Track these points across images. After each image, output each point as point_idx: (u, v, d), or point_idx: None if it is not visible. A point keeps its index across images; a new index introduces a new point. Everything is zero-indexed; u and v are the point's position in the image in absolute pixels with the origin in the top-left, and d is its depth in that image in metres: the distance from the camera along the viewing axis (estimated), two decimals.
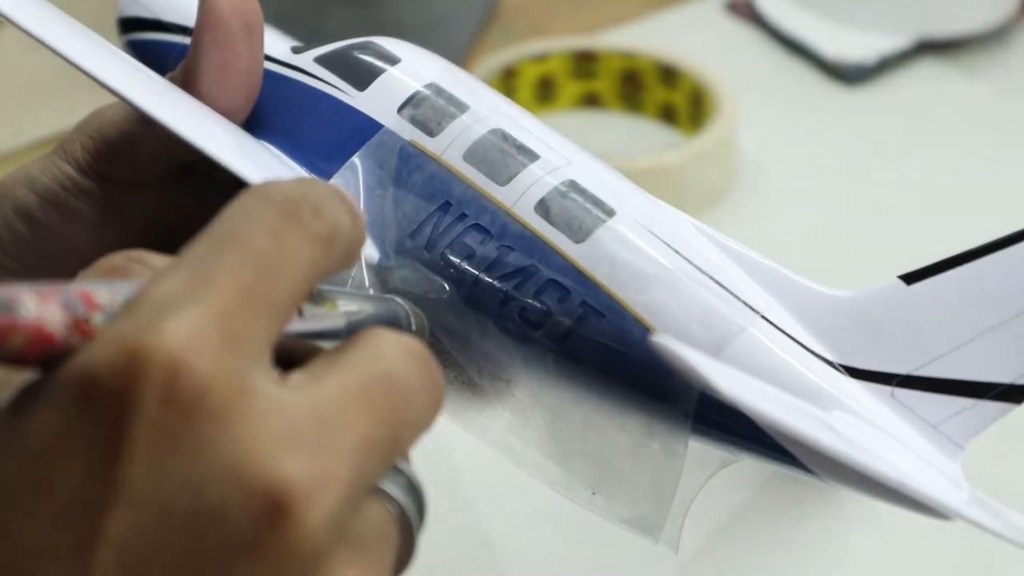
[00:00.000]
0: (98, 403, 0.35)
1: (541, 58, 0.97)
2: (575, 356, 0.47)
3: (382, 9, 1.07)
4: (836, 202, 0.91)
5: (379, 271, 0.49)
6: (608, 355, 0.47)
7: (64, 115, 0.84)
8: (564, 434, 0.48)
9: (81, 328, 0.36)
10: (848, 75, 1.00)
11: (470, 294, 0.48)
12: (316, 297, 0.42)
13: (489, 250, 0.48)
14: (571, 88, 0.98)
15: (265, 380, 0.37)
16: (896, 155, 0.95)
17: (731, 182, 0.92)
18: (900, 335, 0.46)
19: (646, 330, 0.46)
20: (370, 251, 0.49)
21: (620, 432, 0.47)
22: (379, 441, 0.38)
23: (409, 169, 0.50)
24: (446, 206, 0.49)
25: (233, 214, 0.39)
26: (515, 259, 0.48)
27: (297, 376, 0.38)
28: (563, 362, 0.47)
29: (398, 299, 0.46)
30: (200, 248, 0.38)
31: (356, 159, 0.50)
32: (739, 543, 0.68)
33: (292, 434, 0.36)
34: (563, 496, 0.48)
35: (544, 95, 0.98)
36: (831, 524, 0.68)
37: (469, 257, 0.48)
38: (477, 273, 0.48)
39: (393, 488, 0.40)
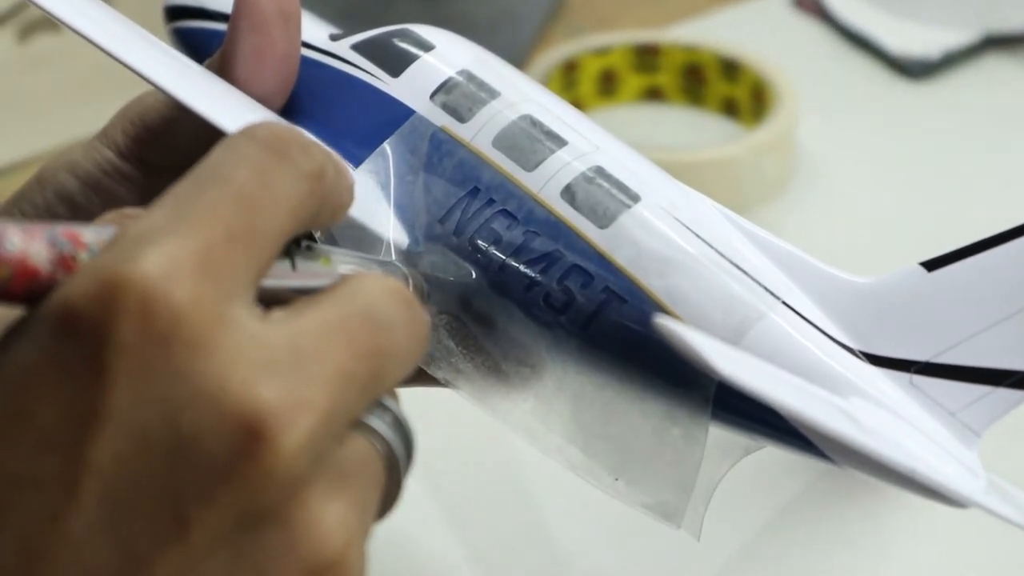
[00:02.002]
0: (77, 333, 0.36)
1: (603, 52, 0.97)
2: (597, 341, 0.47)
3: (448, 4, 1.08)
4: (896, 198, 0.90)
5: (409, 256, 0.49)
6: (630, 340, 0.47)
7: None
8: (587, 419, 0.48)
9: (67, 264, 0.37)
10: (912, 70, 1.00)
11: (496, 279, 0.48)
12: (310, 253, 0.42)
13: (515, 235, 0.48)
14: (633, 82, 0.98)
15: (243, 312, 0.37)
16: (959, 151, 0.94)
17: (790, 176, 0.91)
18: (920, 322, 0.46)
19: (667, 315, 0.46)
20: (400, 236, 0.49)
21: (642, 417, 0.47)
22: (358, 373, 0.38)
23: (440, 155, 0.50)
24: (475, 192, 0.49)
25: (219, 152, 0.40)
26: (540, 244, 0.48)
27: (277, 312, 0.39)
28: (586, 347, 0.47)
29: (395, 262, 0.47)
30: (183, 185, 0.39)
31: (387, 145, 0.51)
32: (784, 538, 0.67)
33: (268, 362, 0.37)
34: (585, 481, 0.48)
35: (606, 88, 0.98)
36: (879, 520, 0.68)
37: (496, 242, 0.48)
38: (504, 258, 0.48)
39: (379, 424, 0.40)
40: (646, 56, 0.98)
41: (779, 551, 0.67)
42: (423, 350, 0.41)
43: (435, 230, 0.49)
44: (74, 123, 0.84)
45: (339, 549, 0.37)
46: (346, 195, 0.43)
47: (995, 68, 1.01)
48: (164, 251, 0.36)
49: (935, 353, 0.46)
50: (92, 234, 0.38)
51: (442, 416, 0.63)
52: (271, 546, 0.37)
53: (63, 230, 0.37)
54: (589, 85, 0.97)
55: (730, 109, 0.96)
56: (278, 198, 0.39)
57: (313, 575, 0.37)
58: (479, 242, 0.49)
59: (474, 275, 0.49)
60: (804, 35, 1.05)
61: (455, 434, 0.71)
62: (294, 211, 0.40)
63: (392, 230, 0.49)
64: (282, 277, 0.41)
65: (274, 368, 0.37)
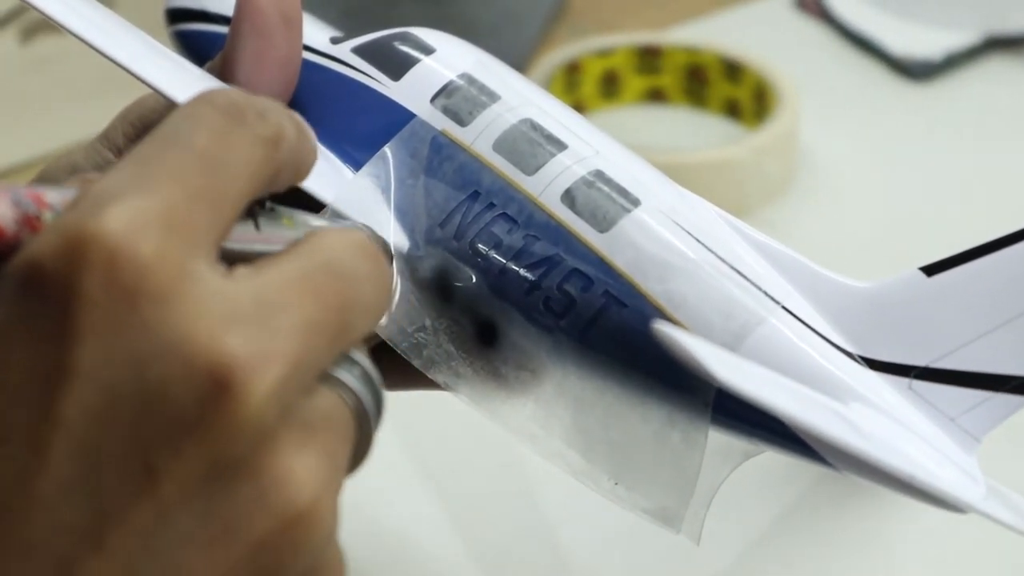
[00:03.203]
0: (42, 290, 0.36)
1: (605, 53, 0.97)
2: (597, 345, 0.47)
3: (451, 5, 1.08)
4: (897, 199, 0.90)
5: (409, 260, 0.49)
6: (630, 345, 0.47)
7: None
8: (587, 424, 0.48)
9: (31, 224, 0.38)
10: (914, 71, 0.99)
11: (497, 283, 0.48)
12: (273, 214, 0.43)
13: (515, 239, 0.48)
14: (635, 83, 0.98)
15: (207, 269, 0.37)
16: (961, 152, 0.94)
17: (792, 177, 0.91)
18: (919, 326, 0.46)
19: (667, 320, 0.46)
20: (400, 240, 0.49)
21: (642, 422, 0.47)
22: (324, 324, 0.38)
23: (440, 159, 0.50)
24: (475, 196, 0.49)
25: (177, 117, 0.40)
26: (540, 248, 0.48)
27: (242, 269, 0.39)
28: (586, 352, 0.47)
29: (361, 224, 0.47)
30: (143, 148, 0.39)
31: (388, 149, 0.51)
32: (784, 542, 0.67)
33: (234, 314, 0.37)
34: (586, 486, 0.48)
35: (608, 90, 0.98)
36: (879, 523, 0.68)
37: (496, 246, 0.48)
38: (504, 262, 0.48)
39: (348, 377, 0.41)
40: (648, 57, 0.98)
41: (779, 555, 0.67)
42: (388, 303, 0.41)
43: (435, 234, 0.49)
44: (75, 125, 0.84)
45: (310, 500, 0.38)
46: (309, 156, 0.44)
47: (997, 69, 1.01)
48: (128, 207, 0.37)
49: (934, 358, 0.46)
50: (55, 195, 0.38)
51: (443, 419, 0.63)
52: (241, 497, 0.37)
53: (27, 191, 0.38)
54: (591, 87, 0.97)
55: (732, 110, 0.96)
56: (236, 161, 0.39)
57: (284, 525, 0.37)
58: (479, 246, 0.49)
59: (474, 279, 0.49)
60: (806, 36, 1.05)
61: (455, 436, 0.71)
62: (253, 174, 0.40)
63: (392, 234, 0.49)
64: (245, 238, 0.41)
65: (240, 320, 0.37)
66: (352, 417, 0.40)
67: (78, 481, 0.36)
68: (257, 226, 0.42)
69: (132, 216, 0.36)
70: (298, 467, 0.38)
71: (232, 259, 0.40)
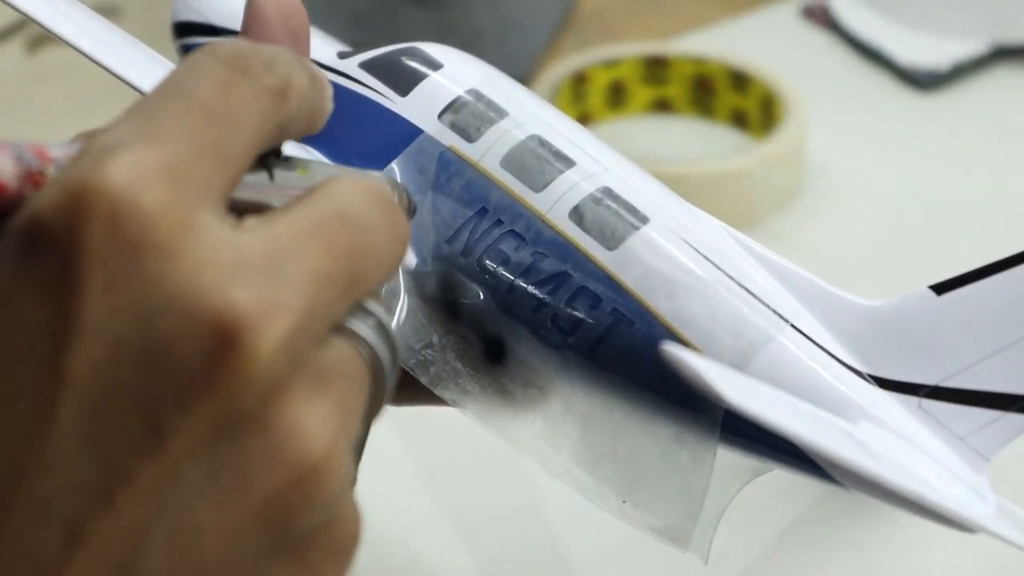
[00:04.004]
0: (46, 244, 0.36)
1: (612, 63, 0.97)
2: (605, 363, 0.47)
3: (457, 13, 1.08)
4: (906, 209, 0.90)
5: (416, 276, 0.49)
6: (638, 362, 0.47)
7: None
8: (595, 441, 0.48)
9: (34, 179, 0.37)
10: (922, 81, 0.99)
11: (504, 300, 0.48)
12: (287, 164, 0.42)
13: (523, 256, 0.48)
14: (642, 93, 0.98)
15: (213, 219, 0.37)
16: (968, 162, 0.94)
17: (800, 187, 0.91)
18: (929, 345, 0.46)
19: (675, 338, 0.46)
20: (407, 257, 0.49)
21: (650, 440, 0.47)
22: (336, 274, 0.38)
23: (448, 175, 0.50)
24: (482, 212, 0.49)
25: (181, 69, 0.39)
26: (548, 266, 0.48)
27: (251, 220, 0.38)
28: (594, 369, 0.47)
29: (378, 173, 0.46)
30: (147, 101, 0.38)
31: (395, 165, 0.51)
32: (791, 558, 0.67)
33: (241, 266, 0.36)
34: (593, 504, 0.48)
35: (615, 100, 0.98)
36: (888, 540, 0.67)
37: (504, 263, 0.48)
38: (511, 279, 0.48)
39: (362, 328, 0.40)
40: (655, 68, 0.97)
41: (786, 571, 0.66)
42: (403, 251, 0.40)
43: (443, 250, 0.49)
44: None
45: (322, 453, 0.37)
46: (323, 105, 0.43)
47: (1005, 78, 1.00)
48: (130, 160, 0.36)
49: (944, 377, 0.45)
50: (58, 149, 0.38)
51: (449, 431, 0.63)
52: (251, 452, 0.36)
53: (29, 146, 0.38)
54: (598, 97, 0.97)
55: (739, 120, 0.96)
56: (242, 111, 0.39)
57: (295, 479, 0.37)
58: (487, 263, 0.49)
59: (482, 296, 0.49)
60: (813, 46, 1.05)
61: (462, 448, 0.71)
62: (259, 125, 0.39)
63: None
64: (259, 189, 0.41)
65: (247, 271, 0.36)
66: (367, 368, 0.39)
67: (86, 438, 0.35)
68: (271, 177, 0.41)
69: (134, 168, 0.36)
70: (309, 420, 0.37)
71: (246, 211, 0.39)
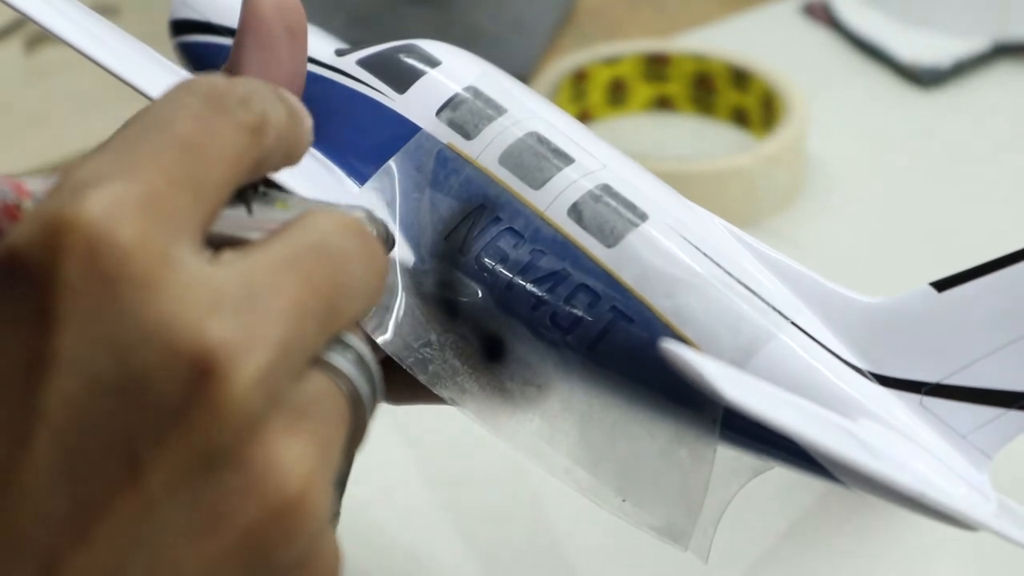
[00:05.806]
0: (22, 277, 0.36)
1: (612, 61, 0.97)
2: (604, 361, 0.47)
3: (457, 12, 1.08)
4: (907, 207, 0.90)
5: (414, 274, 0.49)
6: (637, 360, 0.46)
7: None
8: (594, 440, 0.48)
9: (11, 214, 0.38)
10: (922, 78, 0.99)
11: (503, 298, 0.48)
12: (266, 198, 0.42)
13: (522, 254, 0.48)
14: (643, 91, 0.98)
15: (190, 254, 0.37)
16: (970, 159, 0.94)
17: (801, 185, 0.91)
18: (930, 343, 0.45)
19: (674, 335, 0.46)
20: (405, 254, 0.49)
21: (649, 438, 0.47)
22: (313, 307, 0.38)
23: (446, 172, 0.50)
24: (481, 209, 0.49)
25: (159, 103, 0.39)
26: (547, 263, 0.48)
27: (228, 254, 0.38)
28: (593, 367, 0.47)
29: (358, 206, 0.46)
30: (124, 133, 0.38)
31: (393, 163, 0.50)
32: (794, 557, 0.67)
33: (217, 300, 0.36)
34: (592, 502, 0.48)
35: (615, 98, 0.98)
36: (889, 538, 0.67)
37: (502, 261, 0.48)
38: (510, 277, 0.48)
39: (341, 361, 0.40)
40: (655, 65, 0.97)
41: (787, 571, 0.66)
42: (381, 284, 0.40)
43: (441, 248, 0.49)
44: (79, 135, 0.84)
45: (300, 488, 0.37)
46: (302, 140, 0.43)
47: (1006, 76, 1.00)
48: (107, 193, 0.36)
49: (946, 374, 0.45)
50: (36, 183, 0.38)
51: (449, 429, 0.63)
52: (229, 487, 0.36)
53: (5, 179, 0.38)
54: (599, 95, 0.97)
55: (740, 118, 0.96)
56: (217, 147, 0.39)
57: (273, 514, 0.36)
58: (485, 260, 0.48)
59: (480, 294, 0.48)
60: (814, 43, 1.05)
61: (461, 446, 0.71)
62: (236, 160, 0.39)
63: (397, 248, 0.49)
64: (237, 224, 0.41)
65: (223, 305, 0.36)
66: (346, 401, 0.39)
67: (62, 473, 0.35)
68: (250, 211, 0.41)
69: (111, 201, 0.36)
70: (287, 454, 0.37)
71: (224, 244, 0.39)
